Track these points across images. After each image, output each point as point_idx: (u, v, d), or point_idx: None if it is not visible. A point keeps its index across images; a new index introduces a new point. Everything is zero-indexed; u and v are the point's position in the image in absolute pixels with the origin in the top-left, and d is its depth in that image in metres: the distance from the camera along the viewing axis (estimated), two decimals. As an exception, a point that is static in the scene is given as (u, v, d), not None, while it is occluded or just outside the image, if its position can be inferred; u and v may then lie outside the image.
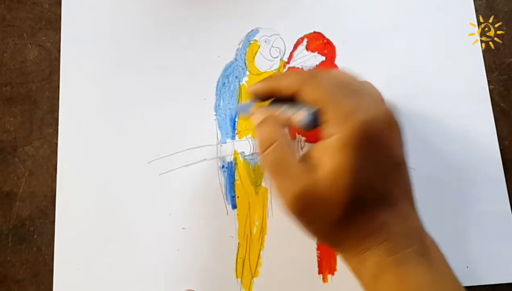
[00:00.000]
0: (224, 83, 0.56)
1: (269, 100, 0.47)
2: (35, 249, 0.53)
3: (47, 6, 0.59)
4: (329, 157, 0.40)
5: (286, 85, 0.44)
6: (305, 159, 0.42)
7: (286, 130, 0.44)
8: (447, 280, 0.42)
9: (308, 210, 0.41)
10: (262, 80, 0.47)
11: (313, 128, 0.42)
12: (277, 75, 0.46)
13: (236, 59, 0.57)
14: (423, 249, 0.41)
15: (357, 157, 0.39)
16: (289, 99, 0.44)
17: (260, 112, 0.45)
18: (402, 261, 0.40)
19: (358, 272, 0.43)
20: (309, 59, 0.56)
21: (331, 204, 0.40)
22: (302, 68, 0.47)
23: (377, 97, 0.43)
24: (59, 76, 0.56)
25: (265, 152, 0.43)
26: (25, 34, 0.58)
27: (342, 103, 0.40)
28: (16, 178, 0.55)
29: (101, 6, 0.58)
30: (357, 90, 0.42)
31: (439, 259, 0.43)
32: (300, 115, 0.42)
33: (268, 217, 0.53)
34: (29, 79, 0.57)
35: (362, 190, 0.40)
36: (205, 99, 0.56)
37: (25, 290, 0.53)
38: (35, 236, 0.53)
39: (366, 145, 0.39)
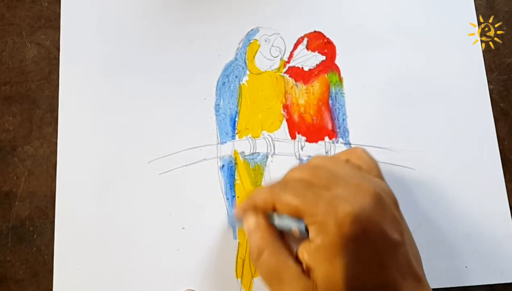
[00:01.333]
0: (224, 82, 0.56)
1: None
2: (34, 249, 0.53)
3: (46, 4, 0.58)
4: (318, 262, 0.38)
5: (261, 204, 0.43)
6: (299, 259, 0.41)
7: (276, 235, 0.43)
8: None
9: None
10: (242, 203, 0.46)
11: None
12: (252, 195, 0.45)
13: (236, 59, 0.57)
14: None
15: (345, 255, 0.38)
16: None
17: (251, 220, 0.44)
18: None
19: None
20: (309, 59, 0.56)
21: None
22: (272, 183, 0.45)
23: (355, 179, 0.41)
24: (59, 75, 0.56)
25: (259, 261, 0.41)
26: (24, 33, 0.58)
27: (314, 204, 0.39)
28: (15, 177, 0.55)
29: (100, 5, 0.58)
30: (332, 178, 0.41)
31: None
32: (294, 228, 0.41)
33: (268, 217, 0.53)
34: (28, 78, 0.57)
35: (360, 286, 0.38)
36: (205, 98, 0.56)
37: (25, 290, 0.52)
38: (35, 236, 0.53)
39: (352, 239, 0.38)
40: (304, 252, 0.40)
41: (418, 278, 0.41)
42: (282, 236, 0.43)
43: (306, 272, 0.39)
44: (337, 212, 0.38)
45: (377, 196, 0.39)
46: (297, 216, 0.40)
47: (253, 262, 0.42)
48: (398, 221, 0.41)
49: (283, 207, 0.41)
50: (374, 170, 0.45)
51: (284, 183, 0.42)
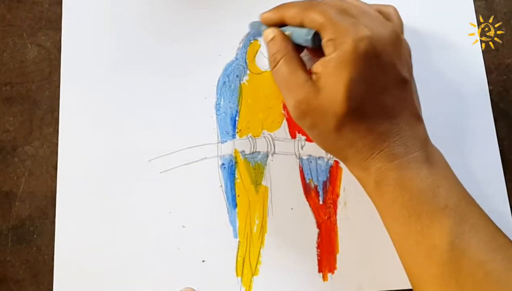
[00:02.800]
0: (225, 82, 0.56)
1: None
2: (34, 249, 0.53)
3: (47, 5, 0.59)
4: (328, 71, 0.43)
5: (291, 16, 0.47)
6: (310, 72, 0.46)
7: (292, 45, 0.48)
8: (448, 183, 0.45)
9: (308, 115, 0.45)
10: (273, 8, 0.50)
11: (316, 48, 0.46)
12: (285, 5, 0.49)
13: (236, 58, 0.57)
14: (425, 156, 0.45)
15: (354, 71, 0.42)
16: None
17: (271, 30, 0.49)
18: (403, 166, 0.44)
19: (362, 180, 0.47)
20: (310, 59, 0.56)
21: (328, 112, 0.44)
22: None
23: (381, 19, 0.46)
24: (59, 76, 0.56)
25: (274, 69, 0.47)
26: (25, 34, 0.58)
27: (339, 23, 0.43)
28: (15, 177, 0.55)
29: (101, 5, 0.59)
30: (360, 12, 0.45)
31: (441, 165, 0.46)
32: (303, 34, 0.46)
33: (268, 216, 0.53)
34: (29, 79, 0.57)
35: (359, 102, 0.43)
36: (205, 98, 0.56)
37: (25, 290, 0.52)
38: (35, 236, 0.53)
39: (364, 60, 0.42)
40: (319, 65, 0.45)
41: (417, 116, 0.46)
42: (297, 51, 0.48)
43: (315, 81, 0.45)
44: (357, 33, 0.42)
45: (397, 35, 0.45)
46: (321, 30, 0.44)
47: (271, 68, 0.48)
48: (409, 64, 0.47)
49: (310, 23, 0.45)
50: (399, 27, 0.49)
51: (316, 3, 0.46)
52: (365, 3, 0.48)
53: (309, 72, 0.46)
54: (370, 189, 0.46)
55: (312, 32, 0.45)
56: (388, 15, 0.49)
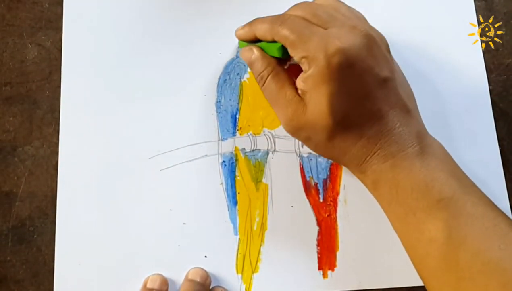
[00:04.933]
0: (225, 80, 0.56)
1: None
2: (35, 249, 0.53)
3: (47, 5, 0.59)
4: (309, 86, 0.45)
5: (262, 33, 0.48)
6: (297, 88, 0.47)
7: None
8: (443, 174, 0.44)
9: (300, 131, 0.47)
10: (246, 24, 0.51)
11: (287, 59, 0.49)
12: (257, 20, 0.50)
13: (237, 56, 0.57)
14: (418, 150, 0.45)
15: (333, 85, 0.43)
16: None
17: (249, 49, 0.50)
18: (396, 164, 0.45)
19: (362, 181, 0.48)
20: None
21: (317, 127, 0.45)
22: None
23: (351, 22, 0.46)
24: (59, 76, 0.56)
25: (264, 85, 0.49)
26: (25, 34, 0.58)
27: (309, 39, 0.44)
28: (16, 177, 0.55)
29: (102, 4, 0.59)
30: (329, 18, 0.46)
31: (436, 156, 0.45)
32: (274, 47, 0.48)
33: (268, 213, 0.53)
34: (29, 79, 0.57)
35: (344, 113, 0.44)
36: (206, 96, 0.56)
37: (25, 290, 0.52)
38: (35, 236, 0.53)
39: (340, 72, 0.43)
40: (299, 80, 0.46)
41: (407, 109, 0.46)
42: (281, 65, 0.49)
43: (301, 96, 0.46)
44: (327, 47, 0.43)
45: (369, 36, 0.45)
46: (292, 49, 0.46)
47: (260, 87, 0.49)
48: (388, 60, 0.47)
49: (280, 39, 0.46)
50: (367, 24, 0.50)
51: (284, 18, 0.47)
52: (337, 1, 0.50)
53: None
54: (370, 190, 0.48)
55: (277, 46, 0.47)
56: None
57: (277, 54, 0.48)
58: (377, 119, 0.45)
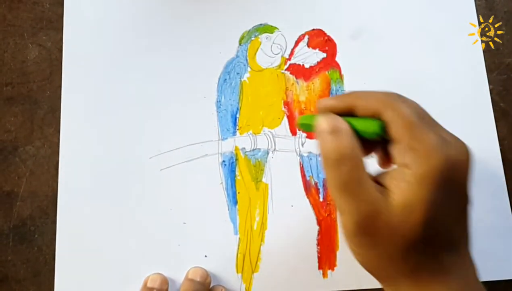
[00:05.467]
0: (226, 79, 0.56)
1: None
2: (36, 248, 0.53)
3: (48, 6, 0.59)
4: (405, 186, 0.37)
5: (365, 105, 0.39)
6: (376, 183, 0.39)
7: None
8: None
9: (371, 234, 0.38)
10: (338, 96, 0.43)
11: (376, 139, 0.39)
12: (355, 93, 0.41)
13: (237, 56, 0.57)
14: None
15: (435, 194, 0.36)
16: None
17: (333, 119, 0.39)
18: None
19: None
20: (310, 56, 0.56)
21: (398, 235, 0.37)
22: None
23: (453, 135, 0.40)
24: (60, 76, 0.57)
25: (339, 169, 0.38)
26: (25, 34, 0.58)
27: (426, 135, 0.37)
28: (17, 177, 0.55)
29: (102, 5, 0.59)
30: (436, 125, 0.40)
31: None
32: (369, 125, 0.39)
33: (268, 213, 0.53)
34: (30, 79, 0.57)
35: (433, 229, 0.37)
36: (206, 95, 0.56)
37: (26, 289, 0.52)
38: (36, 236, 0.53)
39: (445, 184, 0.36)
40: (390, 176, 0.38)
41: (470, 245, 0.41)
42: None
43: (383, 194, 0.37)
44: (448, 151, 0.36)
45: (471, 155, 0.39)
46: (403, 135, 0.37)
47: (325, 169, 0.38)
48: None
49: (392, 117, 0.38)
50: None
51: (397, 98, 0.39)
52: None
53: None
54: None
55: (377, 123, 0.38)
56: None
57: (374, 132, 0.38)
58: (456, 248, 0.39)
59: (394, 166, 0.39)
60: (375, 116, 0.39)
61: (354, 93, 0.41)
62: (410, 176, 0.36)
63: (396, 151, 0.38)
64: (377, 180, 0.39)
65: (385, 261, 0.39)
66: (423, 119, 0.38)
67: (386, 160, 0.42)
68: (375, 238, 0.38)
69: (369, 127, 0.38)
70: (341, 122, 0.38)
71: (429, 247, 0.38)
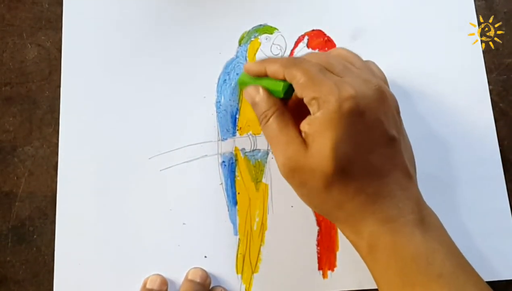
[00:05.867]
0: (225, 80, 0.56)
1: None
2: (35, 249, 0.53)
3: (46, 5, 0.59)
4: (314, 129, 0.43)
5: (273, 70, 0.47)
6: (298, 129, 0.45)
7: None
8: (443, 248, 0.43)
9: (297, 173, 0.44)
10: (257, 61, 0.50)
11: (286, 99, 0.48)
12: (269, 60, 0.49)
13: (237, 56, 0.57)
14: (419, 218, 0.43)
15: (340, 130, 0.42)
16: None
17: (254, 88, 0.48)
18: (396, 229, 0.43)
19: (355, 243, 0.46)
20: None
21: (316, 171, 0.43)
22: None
23: (366, 75, 0.46)
24: (59, 76, 0.57)
25: (266, 124, 0.47)
26: (24, 34, 0.58)
27: (322, 82, 0.43)
28: (15, 178, 0.55)
29: (101, 4, 0.59)
30: (343, 69, 0.45)
31: (436, 229, 0.44)
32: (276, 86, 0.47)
33: (268, 213, 0.53)
34: (29, 79, 0.57)
35: (346, 161, 0.42)
36: (205, 96, 0.56)
37: (25, 290, 0.52)
38: (35, 236, 0.53)
39: (350, 119, 0.42)
40: (305, 122, 0.44)
41: (409, 175, 0.45)
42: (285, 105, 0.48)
43: (304, 139, 0.44)
44: (340, 92, 0.42)
45: (381, 92, 0.44)
46: (303, 89, 0.44)
47: (262, 125, 0.47)
48: (397, 121, 0.46)
49: (292, 79, 0.45)
50: (383, 82, 0.49)
51: (299, 60, 0.46)
52: (354, 54, 0.50)
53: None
54: (364, 254, 0.45)
55: (282, 84, 0.46)
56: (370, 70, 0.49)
57: (281, 93, 0.46)
58: (378, 177, 0.43)
59: None
60: (282, 79, 0.46)
61: (268, 61, 0.48)
62: (315, 121, 0.43)
63: (307, 103, 0.44)
64: (300, 128, 0.45)
65: (315, 196, 0.45)
66: (324, 71, 0.45)
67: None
68: (301, 177, 0.44)
69: (276, 90, 0.47)
70: (261, 90, 0.48)
71: (347, 179, 0.43)
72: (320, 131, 0.42)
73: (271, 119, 0.46)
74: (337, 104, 0.41)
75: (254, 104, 0.48)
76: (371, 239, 0.43)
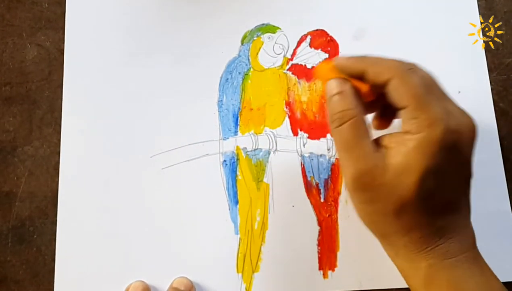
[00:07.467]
0: (228, 79, 0.56)
1: None
2: (35, 249, 0.53)
3: (46, 5, 0.59)
4: (405, 150, 0.39)
5: (376, 72, 0.42)
6: (377, 143, 0.42)
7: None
8: (498, 284, 0.43)
9: (367, 190, 0.41)
10: (353, 57, 0.44)
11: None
12: (370, 58, 0.43)
13: (239, 55, 0.57)
14: (475, 256, 0.42)
15: (432, 161, 0.39)
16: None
17: (339, 83, 0.43)
18: (456, 265, 0.41)
19: (407, 272, 0.44)
20: (312, 56, 0.56)
21: (392, 194, 0.40)
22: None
23: (459, 106, 0.43)
24: (59, 75, 0.57)
25: (341, 127, 0.41)
26: (24, 34, 0.58)
27: (431, 105, 0.40)
28: (15, 178, 0.55)
29: (103, 4, 0.59)
30: (444, 96, 0.42)
31: (487, 267, 0.43)
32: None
33: (269, 213, 0.53)
34: (29, 79, 0.57)
35: (429, 194, 0.40)
36: (207, 95, 0.56)
37: (25, 290, 0.52)
38: (35, 236, 0.53)
39: (444, 153, 0.39)
40: (391, 139, 0.41)
41: (470, 214, 0.44)
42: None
43: (382, 154, 0.41)
44: (449, 123, 0.39)
45: (476, 129, 0.42)
46: (409, 104, 0.40)
47: (330, 128, 0.43)
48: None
49: (400, 87, 0.40)
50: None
51: (408, 68, 0.42)
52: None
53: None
54: (417, 284, 0.43)
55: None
56: None
57: (371, 95, 0.43)
58: (451, 212, 0.42)
59: (394, 129, 0.43)
60: (384, 84, 0.41)
61: (368, 59, 0.43)
62: (410, 141, 0.39)
63: (401, 116, 0.41)
64: (377, 142, 0.42)
65: (380, 217, 0.42)
66: (430, 91, 0.41)
67: (381, 122, 0.48)
68: (372, 194, 0.41)
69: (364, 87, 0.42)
70: (346, 85, 0.42)
71: (423, 209, 0.40)
72: (413, 155, 0.39)
73: (346, 125, 0.41)
74: (443, 134, 0.39)
75: (331, 99, 0.43)
76: (429, 271, 0.41)
